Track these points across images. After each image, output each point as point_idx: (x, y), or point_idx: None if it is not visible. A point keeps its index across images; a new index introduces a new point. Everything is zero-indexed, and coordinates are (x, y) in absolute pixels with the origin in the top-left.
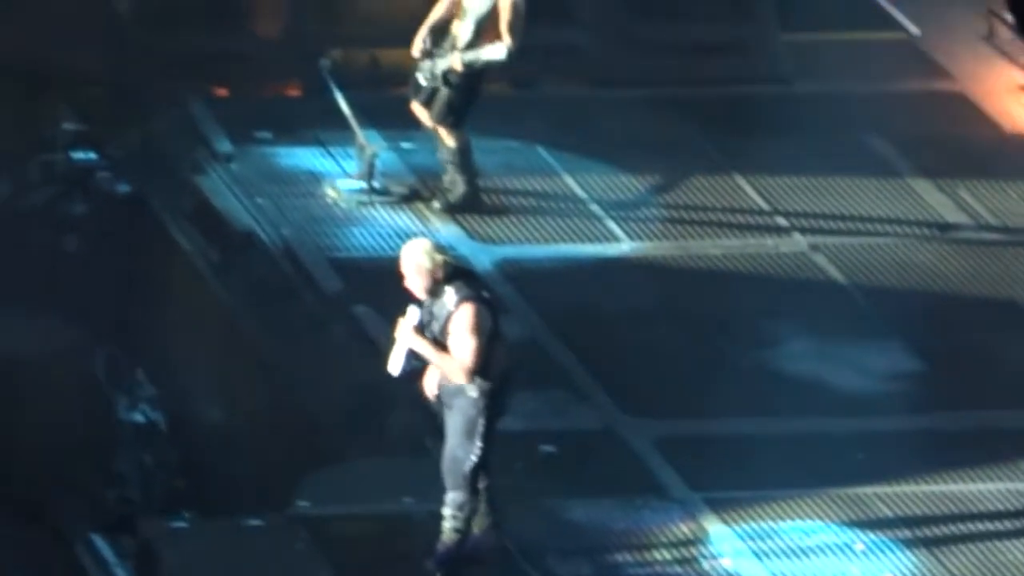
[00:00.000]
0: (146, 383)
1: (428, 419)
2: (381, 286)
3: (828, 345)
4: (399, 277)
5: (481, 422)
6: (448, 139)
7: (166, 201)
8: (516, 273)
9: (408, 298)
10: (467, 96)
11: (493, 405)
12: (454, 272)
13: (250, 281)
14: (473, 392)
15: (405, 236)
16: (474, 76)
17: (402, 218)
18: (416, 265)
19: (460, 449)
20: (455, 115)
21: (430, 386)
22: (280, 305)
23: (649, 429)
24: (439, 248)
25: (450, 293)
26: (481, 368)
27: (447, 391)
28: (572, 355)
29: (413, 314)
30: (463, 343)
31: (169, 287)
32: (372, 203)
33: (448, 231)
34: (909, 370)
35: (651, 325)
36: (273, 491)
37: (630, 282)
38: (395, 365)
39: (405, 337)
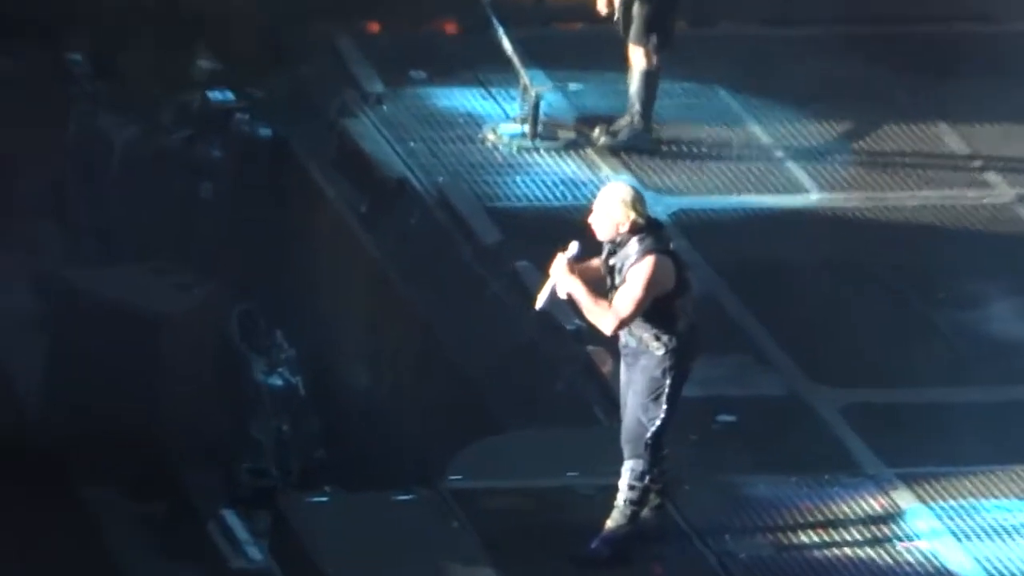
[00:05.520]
0: (285, 344)
1: (598, 384)
2: (544, 239)
3: None
4: (566, 227)
5: (667, 383)
6: (638, 59)
7: (310, 146)
8: (692, 225)
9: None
10: (660, 7)
11: (680, 364)
12: (644, 224)
13: (401, 233)
14: (659, 350)
15: (571, 185)
16: None
17: (568, 165)
18: (608, 212)
19: (642, 413)
20: (649, 31)
21: (541, 299)
22: (434, 260)
23: (838, 397)
24: (640, 201)
25: (633, 244)
26: (667, 324)
27: (630, 350)
28: (753, 316)
29: (573, 248)
30: (629, 292)
31: (312, 240)
32: (535, 148)
33: (619, 179)
34: None
35: (840, 283)
36: (423, 463)
37: (818, 236)
38: (541, 298)
39: (559, 272)
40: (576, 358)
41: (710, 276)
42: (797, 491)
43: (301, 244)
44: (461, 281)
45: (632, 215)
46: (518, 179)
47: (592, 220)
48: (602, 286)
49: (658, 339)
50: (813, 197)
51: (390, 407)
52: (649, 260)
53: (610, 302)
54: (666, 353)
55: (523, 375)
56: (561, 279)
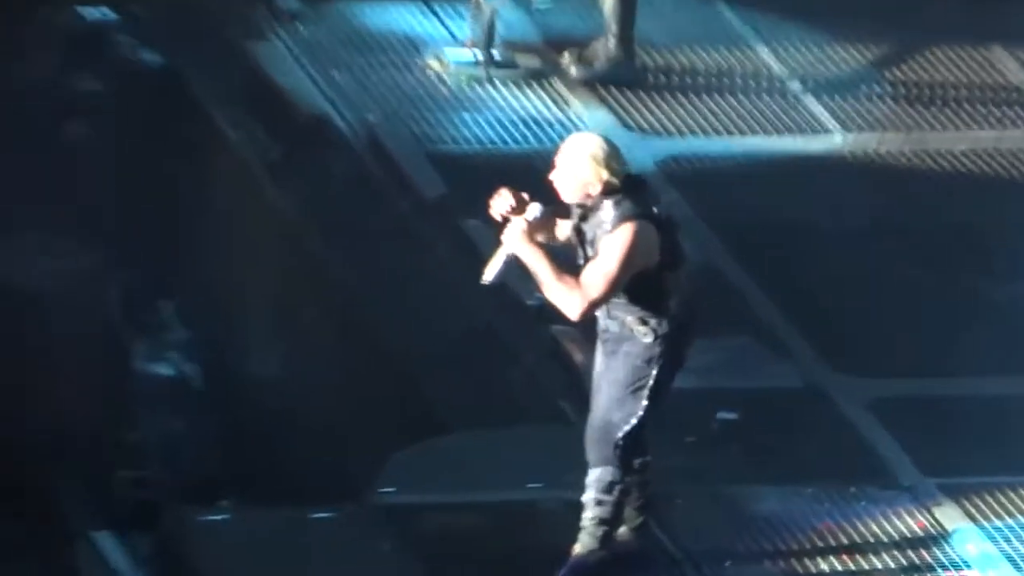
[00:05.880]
0: (176, 323)
1: (567, 374)
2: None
3: None
4: (527, 177)
5: (652, 374)
6: None
7: (209, 77)
8: (685, 176)
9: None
10: None
11: (671, 352)
12: (620, 184)
13: (322, 185)
14: (647, 336)
15: (534, 124)
16: None
17: (530, 100)
18: (574, 170)
19: (616, 409)
20: None
21: (490, 271)
22: (362, 218)
23: (866, 390)
24: (616, 156)
25: (608, 208)
26: (655, 304)
27: (611, 335)
28: (761, 289)
29: (533, 212)
30: (600, 268)
31: (211, 194)
32: (490, 79)
33: (594, 118)
34: None
35: (870, 248)
36: (348, 473)
37: (842, 188)
38: (491, 271)
39: (515, 239)
40: (539, 341)
41: (707, 240)
42: (814, 506)
43: (197, 199)
44: (396, 244)
45: (604, 174)
46: (468, 117)
47: (555, 179)
48: (571, 257)
49: (645, 323)
50: (837, 139)
51: (307, 402)
52: (626, 229)
53: (579, 279)
54: (655, 340)
55: (473, 361)
56: (515, 247)
